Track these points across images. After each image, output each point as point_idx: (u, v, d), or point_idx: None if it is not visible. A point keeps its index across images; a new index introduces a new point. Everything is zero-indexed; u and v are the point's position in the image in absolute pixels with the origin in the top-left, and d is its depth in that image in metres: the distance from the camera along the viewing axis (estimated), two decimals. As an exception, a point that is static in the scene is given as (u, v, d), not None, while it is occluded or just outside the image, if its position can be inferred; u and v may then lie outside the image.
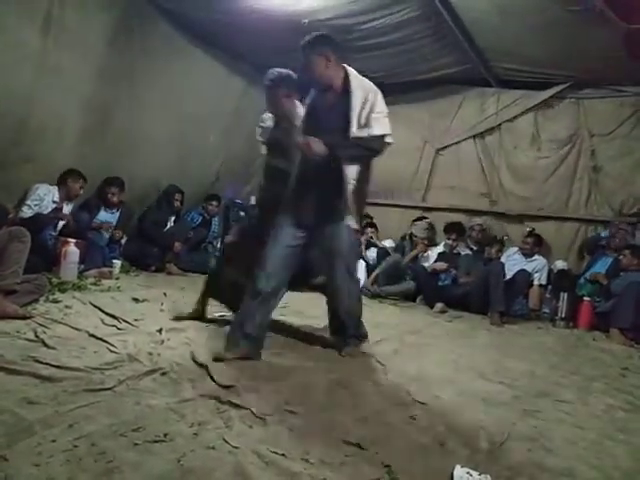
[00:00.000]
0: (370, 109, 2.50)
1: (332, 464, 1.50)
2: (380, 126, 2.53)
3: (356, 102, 2.49)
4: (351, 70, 2.60)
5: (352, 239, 2.69)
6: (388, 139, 2.60)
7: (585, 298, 4.64)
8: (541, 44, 4.68)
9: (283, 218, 2.59)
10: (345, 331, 2.78)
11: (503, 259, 5.15)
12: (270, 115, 3.18)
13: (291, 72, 2.96)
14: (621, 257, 4.64)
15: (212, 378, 2.10)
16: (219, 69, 5.49)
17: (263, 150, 3.19)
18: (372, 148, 2.58)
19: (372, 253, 5.75)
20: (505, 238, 5.64)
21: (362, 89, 2.54)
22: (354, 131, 2.49)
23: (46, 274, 3.54)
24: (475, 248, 5.48)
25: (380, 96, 2.56)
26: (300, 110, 2.90)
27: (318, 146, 2.42)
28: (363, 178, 2.63)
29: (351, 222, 2.62)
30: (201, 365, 2.25)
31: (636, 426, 2.12)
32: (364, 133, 2.50)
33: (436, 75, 5.85)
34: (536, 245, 5.22)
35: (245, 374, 2.20)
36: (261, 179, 3.29)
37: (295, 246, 2.58)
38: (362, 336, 2.83)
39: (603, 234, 5.25)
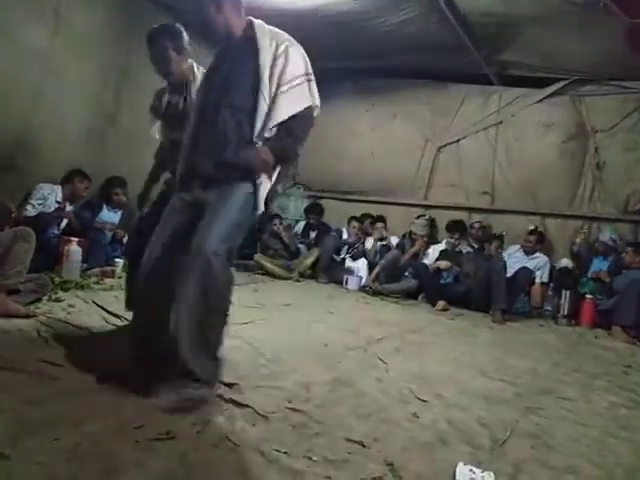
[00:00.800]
0: (278, 77, 1.95)
1: (335, 462, 1.50)
2: (290, 104, 1.97)
3: (265, 57, 1.96)
4: (258, 21, 2.08)
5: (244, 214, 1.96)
6: (314, 110, 2.06)
7: (587, 296, 4.63)
8: (544, 39, 4.68)
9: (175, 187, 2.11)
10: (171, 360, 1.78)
11: (505, 257, 5.14)
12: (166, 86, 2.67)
13: (178, 25, 2.53)
14: (623, 255, 4.64)
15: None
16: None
17: (154, 130, 2.72)
18: (296, 135, 2.02)
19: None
20: (504, 234, 5.62)
21: (271, 38, 2.00)
22: (266, 99, 1.94)
23: (48, 273, 3.55)
24: (476, 246, 5.47)
25: (295, 53, 2.00)
26: (196, 69, 2.52)
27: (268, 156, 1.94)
28: (286, 136, 2.00)
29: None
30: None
31: (639, 423, 2.12)
32: (272, 120, 1.95)
33: (437, 72, 5.86)
34: (538, 243, 5.21)
35: (248, 372, 2.20)
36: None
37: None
38: (204, 378, 1.81)
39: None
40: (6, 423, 1.50)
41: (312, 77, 2.04)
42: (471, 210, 6.11)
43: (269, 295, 4.36)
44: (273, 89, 1.95)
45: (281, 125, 1.97)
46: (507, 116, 6.02)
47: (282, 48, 1.97)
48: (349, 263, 5.72)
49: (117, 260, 4.42)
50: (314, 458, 1.51)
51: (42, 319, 2.65)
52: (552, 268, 5.19)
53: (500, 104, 6.04)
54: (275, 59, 1.96)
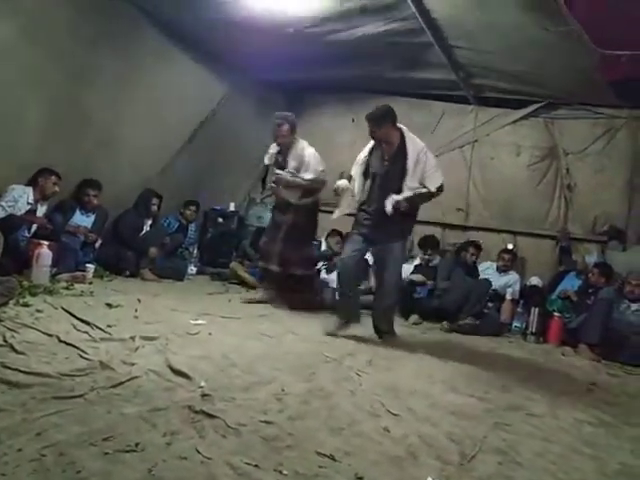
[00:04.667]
0: (423, 169, 3.48)
1: (306, 475, 1.50)
2: (432, 182, 3.52)
3: (410, 163, 3.46)
4: (405, 131, 3.55)
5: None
6: (441, 184, 3.59)
7: (555, 314, 4.73)
8: (519, 63, 4.81)
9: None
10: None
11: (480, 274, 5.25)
12: (275, 145, 4.45)
13: (292, 115, 4.36)
14: (590, 275, 4.78)
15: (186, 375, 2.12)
16: (201, 74, 5.46)
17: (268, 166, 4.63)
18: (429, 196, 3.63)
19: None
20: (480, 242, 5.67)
21: (414, 150, 3.48)
22: (408, 184, 3.46)
23: (17, 276, 3.46)
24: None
25: (428, 152, 3.55)
26: (298, 142, 4.39)
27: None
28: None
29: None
30: (178, 372, 2.23)
31: (603, 441, 2.17)
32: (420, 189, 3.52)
33: (416, 89, 5.97)
34: (512, 261, 5.34)
35: (221, 383, 2.19)
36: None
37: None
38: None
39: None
40: (-32, 432, 1.46)
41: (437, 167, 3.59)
42: (445, 226, 6.21)
43: (243, 305, 4.34)
44: (418, 177, 3.48)
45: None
46: (482, 135, 6.17)
47: (422, 155, 3.49)
48: (324, 275, 5.72)
49: (88, 265, 4.34)
50: (284, 472, 1.50)
51: (8, 324, 2.58)
52: (523, 286, 5.30)
53: (476, 123, 6.18)
54: (418, 162, 3.47)
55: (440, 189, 3.57)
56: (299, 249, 4.40)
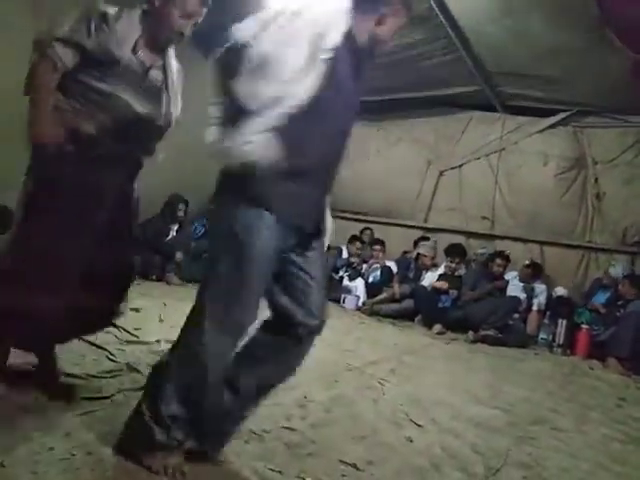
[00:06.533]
0: None
1: (328, 484, 1.51)
2: None
3: None
4: None
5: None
6: None
7: (583, 326, 4.63)
8: (549, 69, 4.76)
9: None
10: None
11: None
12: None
13: None
14: (620, 286, 4.67)
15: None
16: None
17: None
18: None
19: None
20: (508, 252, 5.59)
21: None
22: None
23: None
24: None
25: None
26: None
27: None
28: None
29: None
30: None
31: (631, 458, 2.12)
32: None
33: (443, 96, 5.94)
34: (535, 275, 5.24)
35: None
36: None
37: None
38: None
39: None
40: (1, 431, 1.50)
41: None
42: (470, 235, 6.13)
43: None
44: None
45: None
46: (509, 144, 6.09)
47: None
48: (346, 282, 5.71)
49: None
50: (307, 479, 1.51)
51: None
52: (549, 296, 5.21)
53: (503, 131, 6.10)
54: None
55: None
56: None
